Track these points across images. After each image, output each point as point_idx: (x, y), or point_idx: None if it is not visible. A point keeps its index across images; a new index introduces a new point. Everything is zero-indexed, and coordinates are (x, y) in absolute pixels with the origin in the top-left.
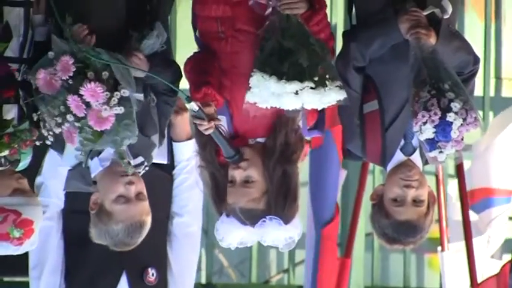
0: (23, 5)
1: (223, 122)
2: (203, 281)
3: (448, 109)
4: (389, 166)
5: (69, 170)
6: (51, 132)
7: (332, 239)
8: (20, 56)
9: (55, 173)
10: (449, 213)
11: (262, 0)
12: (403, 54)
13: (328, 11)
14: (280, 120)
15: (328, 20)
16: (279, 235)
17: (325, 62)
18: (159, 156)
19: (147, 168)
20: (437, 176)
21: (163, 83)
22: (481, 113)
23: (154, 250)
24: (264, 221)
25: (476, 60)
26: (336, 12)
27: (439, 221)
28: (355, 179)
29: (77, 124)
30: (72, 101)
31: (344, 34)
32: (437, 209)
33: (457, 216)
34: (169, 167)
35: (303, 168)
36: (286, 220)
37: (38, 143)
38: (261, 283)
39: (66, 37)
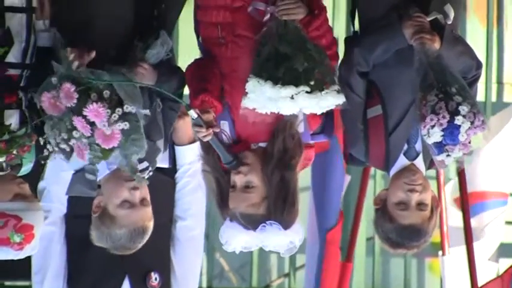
0: (25, 10)
1: (225, 127)
2: (204, 285)
3: (456, 112)
4: (393, 171)
5: (74, 174)
6: (56, 148)
7: (335, 243)
8: (23, 61)
9: (58, 178)
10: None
11: (260, 6)
12: (407, 59)
13: (330, 16)
14: (278, 125)
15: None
16: (279, 240)
17: (322, 66)
18: (160, 161)
19: (151, 173)
20: (438, 180)
21: (166, 91)
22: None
23: (157, 254)
24: (264, 226)
25: (479, 65)
26: (338, 18)
27: (440, 225)
28: (356, 184)
29: (85, 141)
30: (77, 122)
31: (346, 40)
32: None
33: (452, 221)
34: (172, 171)
35: (304, 173)
36: (286, 225)
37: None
38: (262, 287)
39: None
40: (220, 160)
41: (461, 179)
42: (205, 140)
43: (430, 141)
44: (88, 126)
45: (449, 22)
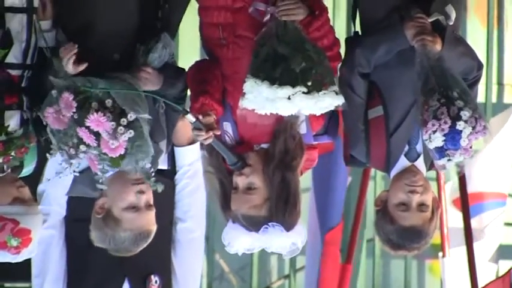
0: (25, 11)
1: (228, 128)
2: (204, 287)
3: (458, 117)
4: (393, 172)
5: (75, 175)
6: (73, 165)
7: (335, 244)
8: (23, 62)
9: (56, 181)
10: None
11: (261, 7)
12: (408, 60)
13: (330, 16)
14: (279, 126)
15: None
16: (282, 242)
17: (321, 67)
18: (160, 162)
19: (153, 174)
20: (438, 182)
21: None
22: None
23: (158, 257)
24: (267, 228)
25: (480, 66)
26: (338, 17)
27: (440, 226)
28: (357, 185)
29: (94, 152)
30: (82, 133)
31: (347, 40)
32: None
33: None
34: (171, 172)
35: (304, 174)
36: (288, 227)
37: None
38: None
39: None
40: (225, 161)
41: (461, 182)
42: (206, 143)
43: (431, 146)
44: (92, 136)
45: (451, 23)
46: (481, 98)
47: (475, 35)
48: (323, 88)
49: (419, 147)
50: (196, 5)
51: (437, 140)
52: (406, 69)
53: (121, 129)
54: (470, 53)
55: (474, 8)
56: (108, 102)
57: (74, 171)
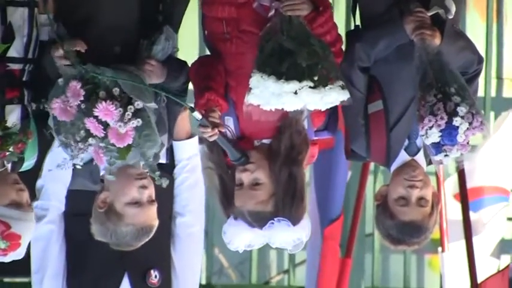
0: (27, 4)
1: (230, 123)
2: (203, 281)
3: (455, 113)
4: (394, 166)
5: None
6: (77, 161)
7: (335, 238)
8: (25, 56)
9: (55, 176)
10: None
11: (265, 2)
12: (408, 54)
13: None
14: (284, 122)
15: None
16: (287, 237)
17: (326, 62)
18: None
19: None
20: (437, 176)
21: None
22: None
23: (157, 251)
24: (272, 223)
25: (480, 59)
26: (338, 12)
27: (440, 221)
28: (356, 180)
29: (101, 144)
30: (89, 123)
31: (347, 34)
32: None
33: (452, 215)
34: (170, 166)
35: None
36: (294, 221)
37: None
38: (261, 284)
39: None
40: (225, 156)
41: (461, 178)
42: (211, 139)
43: (428, 141)
44: (100, 126)
45: (451, 17)
46: (480, 92)
47: (474, 29)
48: (329, 83)
49: (419, 142)
50: (196, 0)
51: (434, 136)
52: (405, 64)
53: (128, 114)
54: (470, 46)
55: (473, 2)
56: (116, 91)
57: (78, 164)
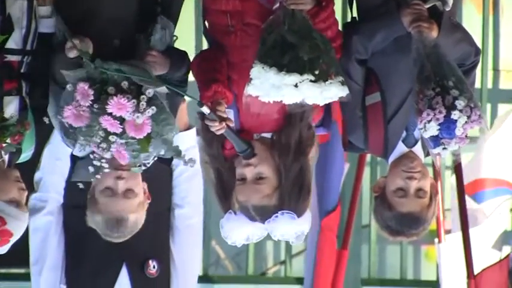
0: None
1: (230, 115)
2: (200, 273)
3: (453, 107)
4: (392, 158)
5: (80, 160)
6: (103, 160)
7: (332, 229)
8: (23, 47)
9: (53, 168)
10: (453, 203)
11: None
12: (405, 46)
13: None
14: (294, 116)
15: None
16: (290, 229)
17: (327, 56)
18: None
19: (155, 158)
20: (434, 168)
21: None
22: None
23: (155, 242)
24: (277, 216)
25: (477, 51)
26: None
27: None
28: (353, 171)
29: (122, 141)
30: (105, 122)
31: (345, 26)
32: None
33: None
34: (168, 157)
35: None
36: (299, 213)
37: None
38: (258, 275)
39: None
40: (223, 150)
41: (457, 171)
42: (218, 133)
43: (426, 135)
44: (116, 122)
45: (448, 9)
46: (476, 83)
47: (471, 21)
48: (329, 78)
49: (417, 133)
50: None
51: (432, 129)
52: (403, 56)
53: (143, 104)
54: (468, 38)
55: None
56: (124, 84)
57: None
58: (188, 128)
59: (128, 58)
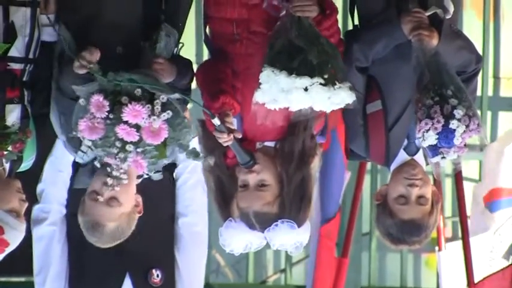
0: (29, 4)
1: (234, 124)
2: None
3: (451, 116)
4: (393, 166)
5: (82, 167)
6: (122, 171)
7: (330, 237)
8: (26, 56)
9: (55, 180)
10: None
11: (275, 2)
12: (406, 54)
13: None
14: (298, 126)
15: None
16: (289, 239)
17: (335, 61)
18: None
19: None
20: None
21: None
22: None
23: (158, 251)
24: (277, 225)
25: (478, 59)
26: None
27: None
28: (353, 179)
29: (139, 150)
30: (121, 131)
31: (346, 34)
32: None
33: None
34: (171, 166)
35: None
36: (300, 223)
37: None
38: (258, 283)
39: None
40: (225, 158)
41: (457, 179)
42: (225, 144)
43: (425, 144)
44: (133, 130)
45: (449, 16)
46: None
47: (471, 28)
48: (337, 83)
49: (418, 142)
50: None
51: (431, 139)
52: (404, 64)
53: (157, 108)
54: (469, 46)
55: (470, 0)
56: (138, 92)
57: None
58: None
59: (131, 65)
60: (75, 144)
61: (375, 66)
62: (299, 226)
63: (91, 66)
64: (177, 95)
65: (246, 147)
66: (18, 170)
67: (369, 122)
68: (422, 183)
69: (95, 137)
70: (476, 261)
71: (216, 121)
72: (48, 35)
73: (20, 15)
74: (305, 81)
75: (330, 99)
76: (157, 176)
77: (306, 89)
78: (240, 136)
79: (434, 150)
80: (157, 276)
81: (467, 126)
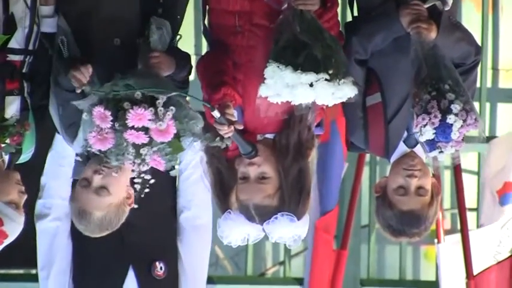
0: None
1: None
2: None
3: (449, 111)
4: (393, 158)
5: (78, 158)
6: (143, 175)
7: (327, 230)
8: (26, 47)
9: (57, 174)
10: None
11: None
12: (405, 46)
13: None
14: (293, 118)
15: None
16: (288, 232)
17: (338, 56)
18: None
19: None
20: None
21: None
22: (477, 104)
23: (161, 244)
24: (276, 218)
25: (478, 50)
26: None
27: None
28: (351, 171)
29: (154, 149)
30: (129, 136)
31: (346, 25)
32: None
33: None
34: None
35: None
36: (299, 216)
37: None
38: (257, 275)
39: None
40: (226, 151)
41: (456, 172)
42: (226, 136)
43: (422, 139)
44: (141, 133)
45: (447, 8)
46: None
47: (470, 20)
48: (341, 77)
49: (416, 135)
50: None
51: (428, 133)
52: (403, 56)
53: (160, 109)
54: (468, 37)
55: None
56: (138, 95)
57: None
58: None
59: (128, 57)
60: (72, 134)
61: (374, 58)
62: (298, 219)
63: (83, 88)
64: (174, 93)
65: (247, 138)
66: (17, 162)
67: (369, 115)
68: (422, 174)
69: (106, 146)
70: (481, 253)
71: (216, 113)
72: (48, 26)
73: (20, 7)
74: (311, 77)
75: (334, 94)
76: (175, 172)
77: (311, 85)
78: (241, 127)
79: (431, 144)
80: (161, 268)
81: (464, 120)
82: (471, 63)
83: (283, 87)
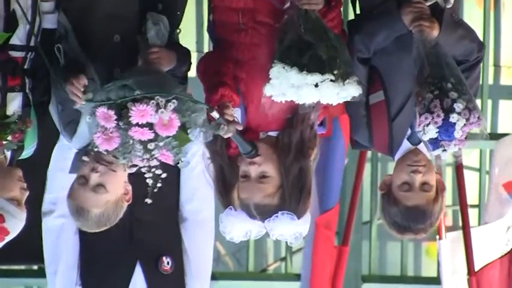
0: None
1: (237, 114)
2: None
3: (451, 110)
4: (397, 155)
5: (76, 153)
6: (154, 169)
7: (329, 227)
8: (27, 44)
9: (63, 167)
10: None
11: None
12: (408, 44)
13: None
14: (296, 117)
15: None
16: (289, 230)
17: (343, 56)
18: None
19: None
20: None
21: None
22: (479, 101)
23: (167, 238)
24: (277, 216)
25: (480, 47)
26: None
27: None
28: (353, 167)
29: (160, 144)
30: (135, 134)
31: (348, 23)
32: None
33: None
34: None
35: None
36: (299, 215)
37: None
38: (258, 271)
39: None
40: (228, 149)
41: (458, 171)
42: (226, 136)
43: (425, 138)
44: (146, 129)
45: (449, 6)
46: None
47: (471, 17)
48: (346, 77)
49: (419, 134)
50: None
51: (431, 132)
52: (406, 54)
53: (161, 100)
54: (470, 35)
55: None
56: (138, 94)
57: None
58: None
59: (129, 54)
60: (71, 131)
61: (376, 57)
62: (299, 218)
63: (82, 100)
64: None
65: (249, 136)
66: (19, 158)
67: (372, 113)
68: (426, 169)
69: (113, 146)
70: (485, 250)
71: (215, 114)
72: (49, 22)
73: (21, 3)
74: (316, 77)
75: (339, 94)
76: (184, 165)
77: (316, 85)
78: (240, 128)
79: (435, 143)
80: (168, 263)
81: (467, 119)
82: (474, 60)
83: (289, 87)
